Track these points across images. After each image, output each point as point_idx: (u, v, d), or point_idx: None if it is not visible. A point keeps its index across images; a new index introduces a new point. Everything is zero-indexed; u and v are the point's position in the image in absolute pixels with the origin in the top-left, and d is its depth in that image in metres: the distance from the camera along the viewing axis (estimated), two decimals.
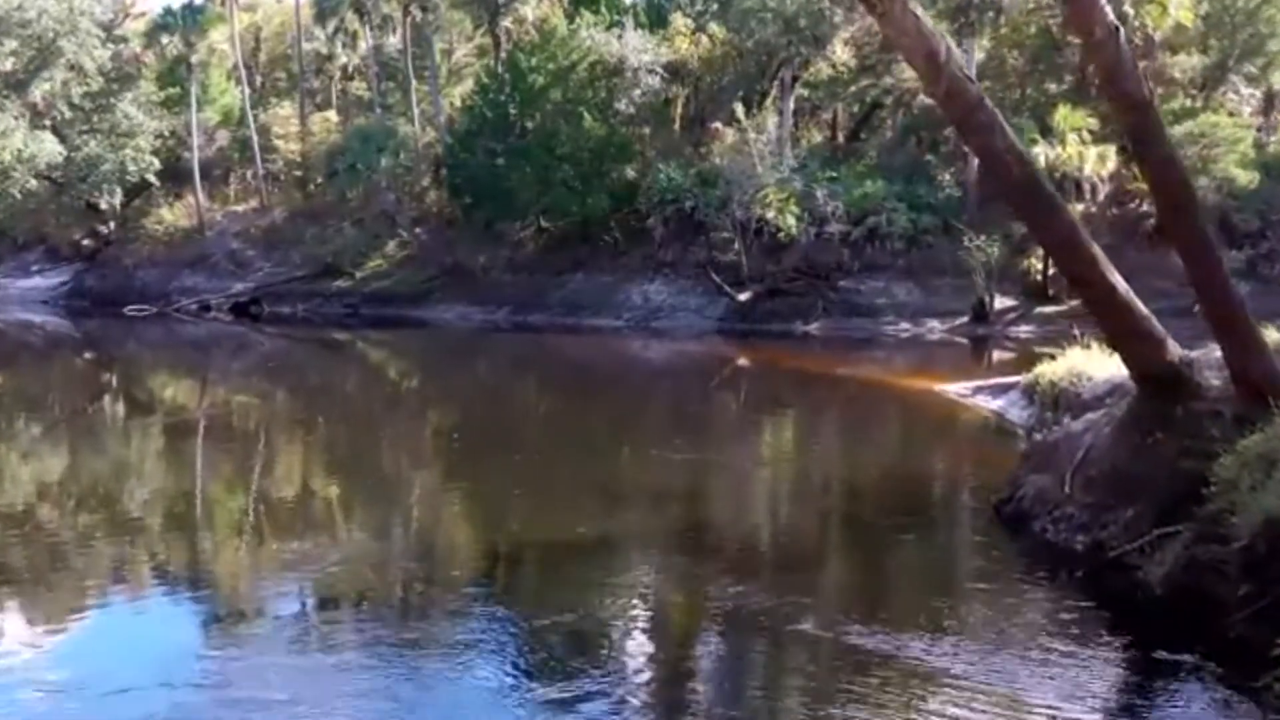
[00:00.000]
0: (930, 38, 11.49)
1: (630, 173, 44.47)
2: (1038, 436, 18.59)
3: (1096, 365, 19.57)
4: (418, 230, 48.50)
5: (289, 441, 21.97)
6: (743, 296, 40.65)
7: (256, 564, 13.16)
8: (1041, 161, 37.25)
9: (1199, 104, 42.10)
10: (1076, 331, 21.27)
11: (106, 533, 14.21)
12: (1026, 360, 36.82)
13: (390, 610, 11.31)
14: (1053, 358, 21.65)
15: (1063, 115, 38.26)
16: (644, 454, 19.78)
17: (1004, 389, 23.15)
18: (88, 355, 40.94)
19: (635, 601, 11.55)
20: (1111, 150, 38.12)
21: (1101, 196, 38.91)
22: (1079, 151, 37.74)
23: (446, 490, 17.62)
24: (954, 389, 24.67)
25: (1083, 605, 11.28)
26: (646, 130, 46.41)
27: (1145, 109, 11.17)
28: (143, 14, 54.88)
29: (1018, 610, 11.07)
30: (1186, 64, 42.39)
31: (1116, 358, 19.80)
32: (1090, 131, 38.43)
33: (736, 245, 41.04)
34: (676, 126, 46.90)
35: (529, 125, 45.27)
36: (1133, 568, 11.44)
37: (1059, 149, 37.86)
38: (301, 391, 30.75)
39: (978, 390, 23.91)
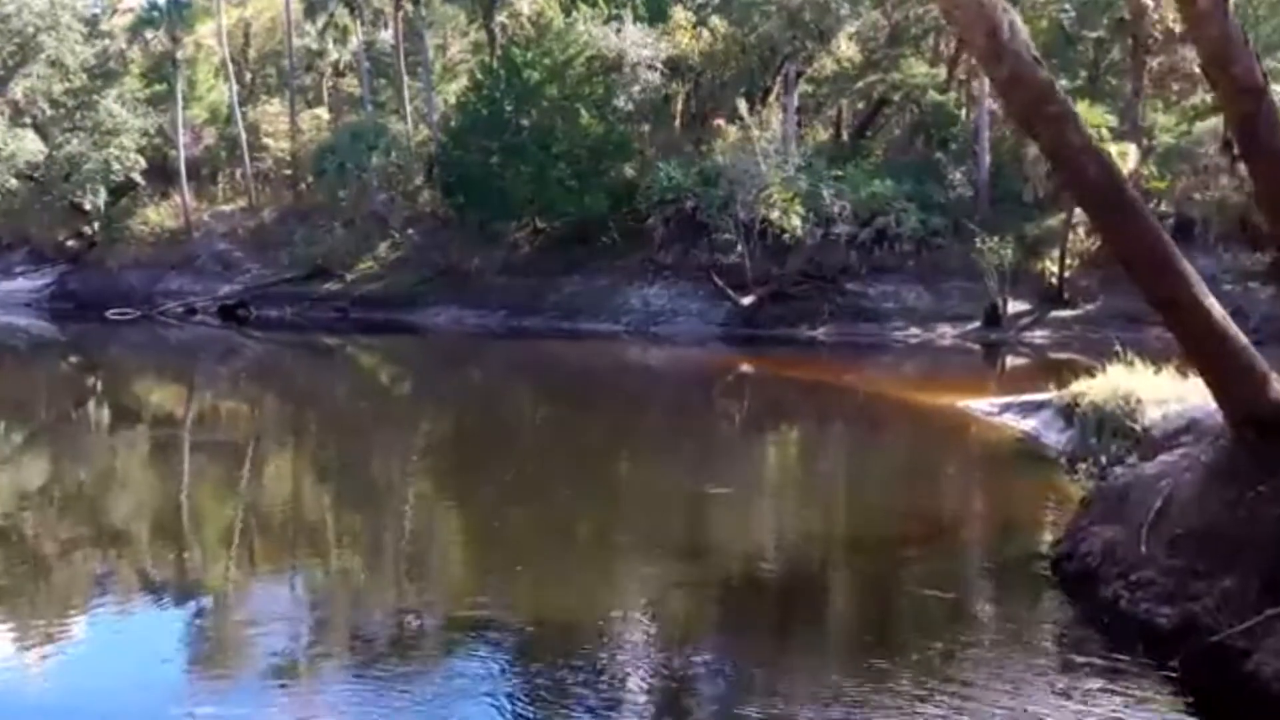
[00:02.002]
0: (991, 10, 9.33)
1: (629, 171, 42.61)
2: (1088, 471, 16.53)
3: (1145, 386, 17.44)
4: (410, 231, 46.51)
5: (256, 462, 20.15)
6: (746, 300, 38.56)
7: (212, 587, 12.41)
8: None
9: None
10: (1119, 346, 19.02)
11: (84, 548, 13.78)
12: (1044, 368, 35.18)
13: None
14: (1087, 372, 19.52)
15: (1080, 112, 35.89)
16: (638, 483, 17.64)
17: (1035, 407, 20.94)
18: (72, 359, 39.18)
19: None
20: (1131, 148, 35.94)
21: None
22: (1098, 149, 35.39)
23: (423, 524, 15.53)
24: (979, 406, 22.46)
25: (1181, 705, 9.11)
26: (646, 127, 44.62)
27: (1259, 95, 9.02)
28: (130, 10, 52.71)
29: (1099, 713, 8.88)
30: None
31: (1168, 379, 18.01)
32: (1109, 129, 36.20)
33: (739, 247, 38.97)
34: (677, 124, 45.03)
35: (524, 123, 43.23)
36: (1240, 653, 9.25)
37: None
38: (280, 406, 28.93)
39: (1006, 408, 21.70)
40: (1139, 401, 16.97)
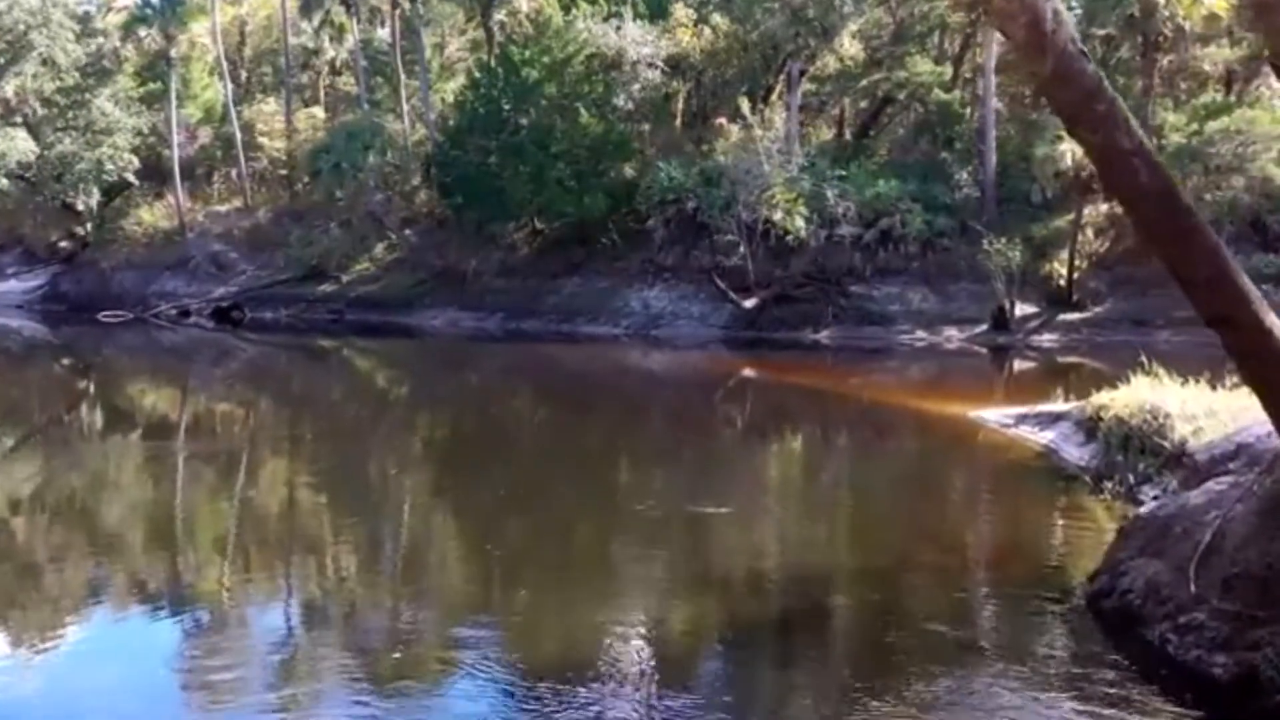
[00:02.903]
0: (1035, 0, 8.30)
1: (629, 171, 41.76)
2: (1114, 490, 15.52)
3: (1173, 400, 16.42)
4: (407, 232, 45.61)
5: (248, 472, 19.31)
6: (748, 303, 37.61)
7: (193, 603, 11.97)
8: (1069, 160, 34.28)
9: (1232, 98, 38.79)
10: (1144, 357, 18.01)
11: (77, 554, 13.67)
12: (1054, 374, 34.32)
13: None
14: (1108, 382, 18.51)
15: None
16: (633, 501, 16.51)
17: (1053, 418, 19.93)
18: (64, 362, 38.35)
19: None
20: None
21: None
22: None
23: (405, 553, 14.51)
24: (992, 417, 21.43)
25: None
26: (646, 127, 43.66)
27: None
28: (124, 7, 51.66)
29: None
30: (1218, 56, 39.11)
31: (1194, 391, 17.02)
32: None
33: (742, 248, 38.09)
34: (678, 123, 44.25)
35: (523, 122, 42.45)
36: None
37: None
38: (273, 412, 28.01)
39: (1021, 419, 20.66)
40: (1167, 417, 15.95)
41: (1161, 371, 17.61)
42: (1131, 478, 15.49)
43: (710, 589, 12.50)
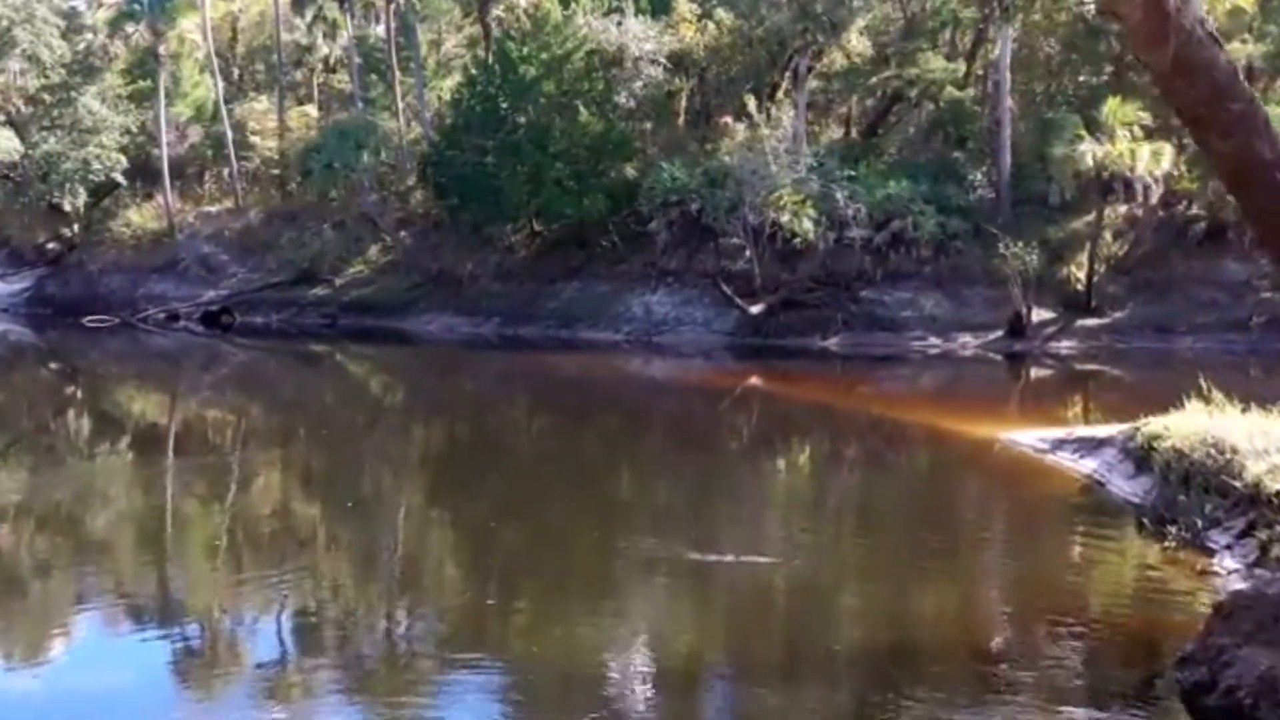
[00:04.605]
0: None
1: (630, 172, 40.03)
2: (1180, 536, 13.62)
3: (1237, 430, 14.57)
4: (401, 233, 43.78)
5: (240, 483, 18.93)
6: (755, 309, 35.79)
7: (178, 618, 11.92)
8: (1089, 160, 32.42)
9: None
10: (1202, 381, 16.11)
11: (64, 565, 13.65)
12: (1073, 381, 32.52)
13: None
14: (1157, 406, 16.66)
15: (1112, 108, 33.13)
16: (625, 544, 14.68)
17: (1095, 445, 18.03)
18: (53, 365, 37.72)
19: None
20: (1167, 147, 33.09)
21: (1154, 199, 33.71)
22: (1131, 149, 32.62)
23: (379, 593, 12.91)
24: (1026, 440, 19.51)
25: None
26: (648, 125, 41.94)
27: None
28: (113, 4, 49.69)
29: None
30: (1240, 52, 36.97)
31: (1259, 419, 15.13)
32: (1142, 126, 33.33)
33: (747, 252, 36.29)
34: (680, 121, 42.64)
35: (521, 120, 40.75)
36: None
37: (1108, 145, 32.70)
38: (263, 422, 27.05)
39: (1058, 444, 18.77)
40: (1234, 451, 14.09)
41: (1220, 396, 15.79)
42: (1199, 522, 13.61)
43: (701, 663, 10.62)
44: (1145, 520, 14.65)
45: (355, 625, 11.70)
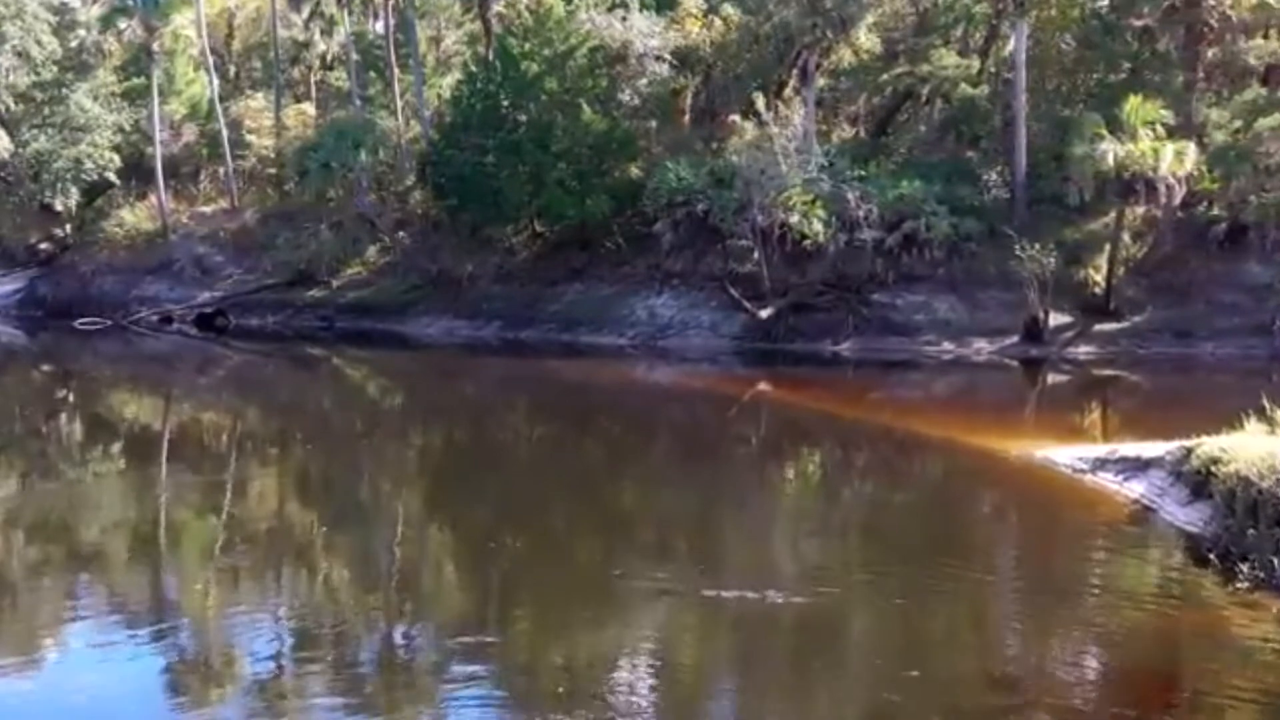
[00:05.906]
0: None
1: (634, 171, 38.79)
2: (1254, 575, 12.18)
3: None
4: (400, 234, 42.52)
5: (235, 493, 18.49)
6: (763, 312, 34.56)
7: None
8: (1110, 160, 31.01)
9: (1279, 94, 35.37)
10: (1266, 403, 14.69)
11: (56, 574, 13.58)
12: (1089, 386, 31.14)
13: None
14: (1178, 423, 15.27)
15: (1133, 107, 31.67)
16: (622, 573, 13.50)
17: (1141, 465, 16.62)
18: (44, 369, 37.08)
19: None
20: (1190, 146, 31.71)
21: (1176, 199, 32.30)
22: (1153, 148, 31.19)
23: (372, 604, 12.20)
24: (1064, 459, 18.07)
25: None
26: (652, 124, 40.60)
27: None
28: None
29: None
30: (1264, 49, 35.68)
31: None
32: (1164, 125, 31.92)
33: (756, 253, 35.00)
34: (686, 119, 41.20)
35: (522, 119, 39.50)
36: None
37: (1129, 145, 31.27)
38: (258, 429, 26.23)
39: (1099, 464, 17.34)
40: None
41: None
42: (1275, 561, 12.17)
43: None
44: (1209, 553, 13.22)
45: (345, 646, 11.22)
